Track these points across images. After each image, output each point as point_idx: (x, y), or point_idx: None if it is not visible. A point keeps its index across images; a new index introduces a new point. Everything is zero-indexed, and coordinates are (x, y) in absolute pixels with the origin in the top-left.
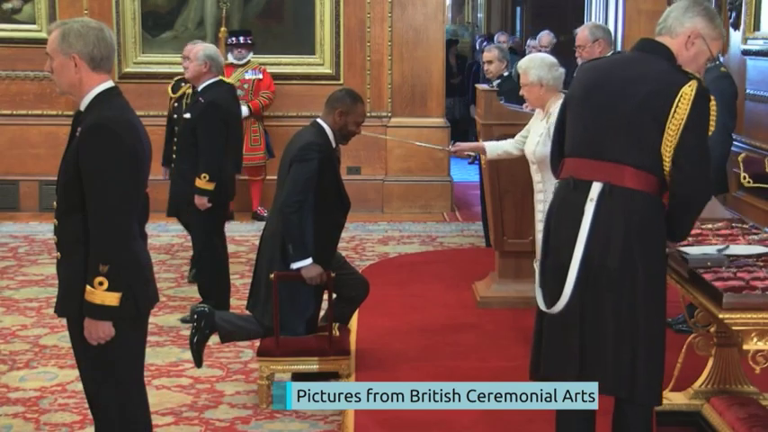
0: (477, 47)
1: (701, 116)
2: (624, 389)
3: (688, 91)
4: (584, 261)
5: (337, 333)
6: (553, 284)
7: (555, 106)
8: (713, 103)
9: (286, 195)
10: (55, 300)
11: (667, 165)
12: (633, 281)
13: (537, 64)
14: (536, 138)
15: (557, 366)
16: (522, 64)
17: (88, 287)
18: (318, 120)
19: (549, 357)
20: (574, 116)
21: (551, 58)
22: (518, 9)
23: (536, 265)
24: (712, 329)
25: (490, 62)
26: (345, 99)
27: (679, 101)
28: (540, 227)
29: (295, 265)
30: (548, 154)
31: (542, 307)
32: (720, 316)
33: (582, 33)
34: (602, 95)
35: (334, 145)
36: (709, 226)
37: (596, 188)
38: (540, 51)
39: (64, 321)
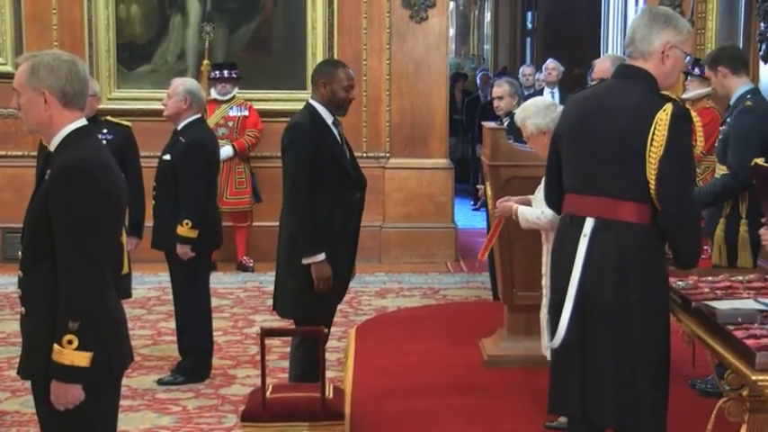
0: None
1: (678, 138)
2: (629, 421)
3: (663, 116)
4: (578, 296)
5: (331, 395)
6: (554, 320)
7: None
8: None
9: (286, 191)
10: (18, 360)
11: (652, 190)
12: (628, 314)
13: (531, 112)
14: None
15: (561, 402)
16: (518, 117)
17: (56, 346)
18: (309, 100)
19: (555, 393)
20: (566, 152)
21: (545, 100)
22: (528, 40)
23: (544, 301)
24: (744, 393)
25: (500, 98)
26: (324, 68)
27: (655, 128)
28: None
29: (306, 261)
30: None
31: (547, 342)
32: (753, 378)
33: (603, 65)
34: (588, 129)
35: (330, 120)
36: (740, 278)
37: (589, 223)
38: (547, 80)
39: (27, 384)
